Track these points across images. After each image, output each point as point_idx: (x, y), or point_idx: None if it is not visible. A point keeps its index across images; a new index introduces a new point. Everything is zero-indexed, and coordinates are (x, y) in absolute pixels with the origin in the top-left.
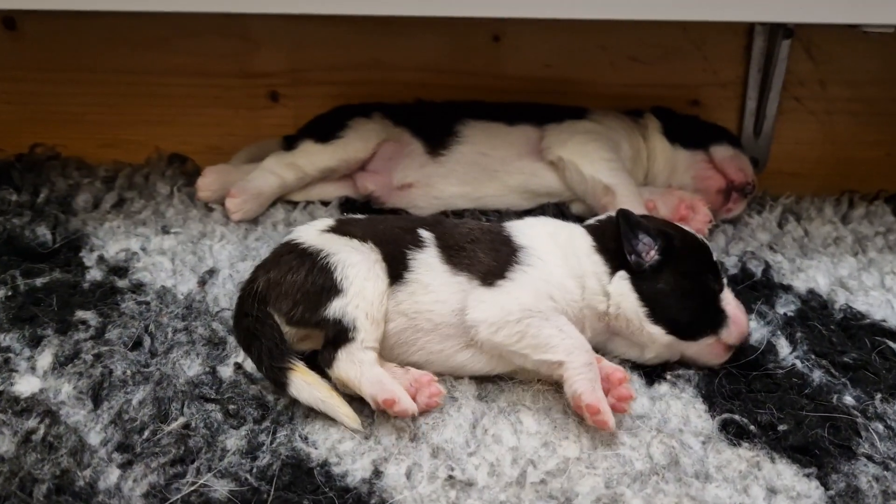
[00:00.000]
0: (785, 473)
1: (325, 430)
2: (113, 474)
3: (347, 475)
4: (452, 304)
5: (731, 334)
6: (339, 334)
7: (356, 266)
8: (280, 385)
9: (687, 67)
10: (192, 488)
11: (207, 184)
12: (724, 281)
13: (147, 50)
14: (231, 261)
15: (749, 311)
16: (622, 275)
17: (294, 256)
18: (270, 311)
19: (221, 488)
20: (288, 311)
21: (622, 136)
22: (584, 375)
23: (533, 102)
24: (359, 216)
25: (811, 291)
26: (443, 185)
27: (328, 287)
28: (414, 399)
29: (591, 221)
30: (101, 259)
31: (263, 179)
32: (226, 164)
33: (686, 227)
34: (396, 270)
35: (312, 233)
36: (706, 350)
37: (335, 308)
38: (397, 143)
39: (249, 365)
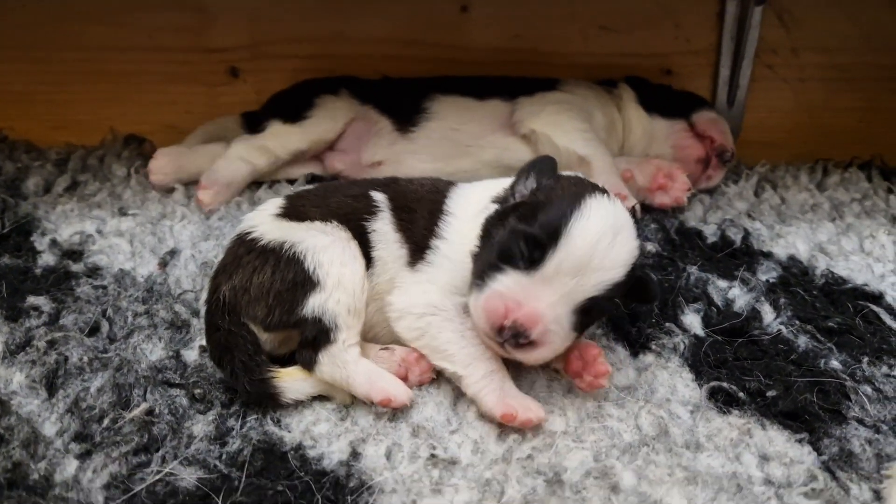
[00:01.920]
0: (777, 440)
1: (298, 413)
2: (70, 466)
3: (323, 458)
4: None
5: (473, 300)
6: (320, 335)
7: (327, 250)
8: (270, 397)
9: (659, 36)
10: (157, 477)
11: (160, 167)
12: (544, 279)
13: (97, 24)
14: (193, 241)
15: (730, 278)
16: (490, 207)
17: (255, 255)
18: (245, 321)
19: (189, 476)
20: (264, 318)
21: (595, 105)
22: (487, 388)
23: (502, 76)
24: (307, 188)
25: (792, 258)
26: (413, 162)
27: (301, 281)
28: (405, 380)
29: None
30: (53, 243)
31: (234, 168)
32: (179, 146)
33: (585, 227)
34: (364, 250)
35: (266, 220)
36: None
37: (313, 305)
38: (365, 121)
39: None
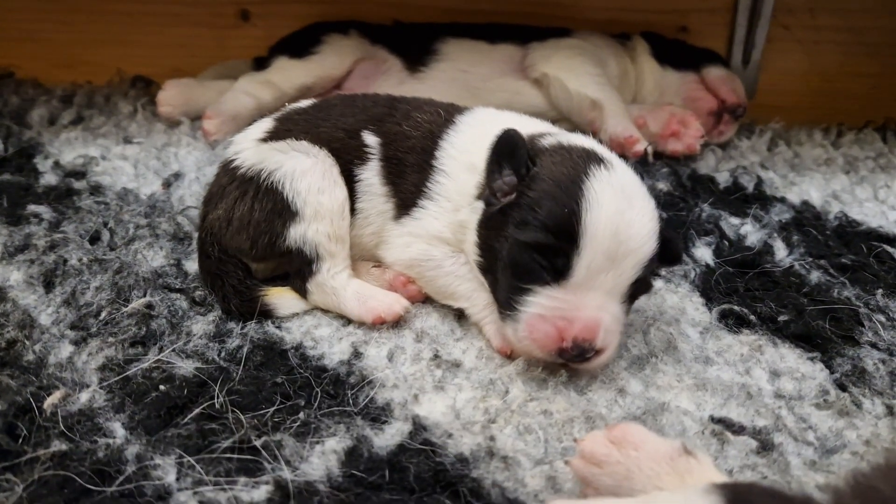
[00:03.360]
0: (788, 357)
1: (299, 318)
2: (65, 349)
3: (324, 357)
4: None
5: (509, 332)
6: (304, 267)
7: (307, 175)
8: (264, 314)
9: None
10: (154, 364)
11: (168, 98)
12: (582, 285)
13: None
14: (198, 165)
15: (743, 216)
16: (477, 206)
17: (236, 185)
18: (231, 252)
19: (187, 366)
20: (249, 250)
21: (609, 53)
22: (488, 318)
23: (515, 23)
24: (302, 105)
25: (805, 203)
26: None
27: (279, 210)
28: None
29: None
30: (56, 164)
31: (239, 100)
32: (189, 79)
33: (601, 206)
34: (350, 196)
35: (249, 145)
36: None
37: (293, 236)
38: (374, 60)
39: None
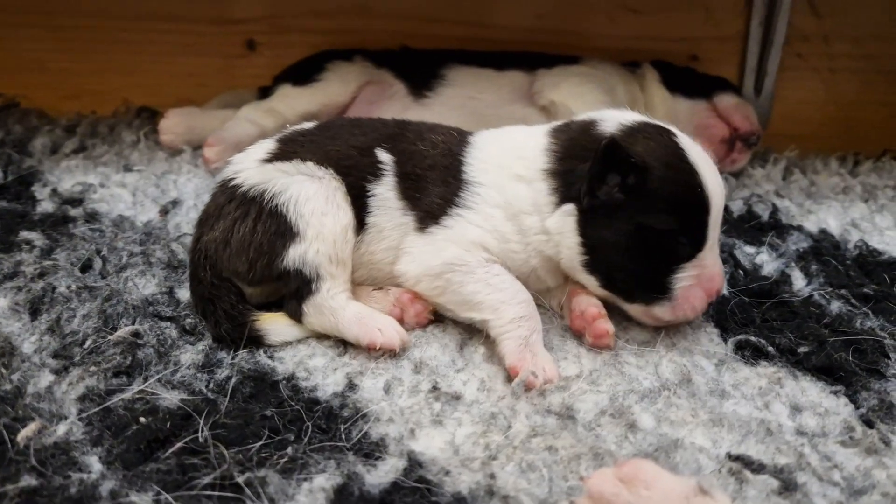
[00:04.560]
0: (810, 391)
1: (293, 348)
2: (45, 378)
3: (317, 389)
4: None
5: (665, 312)
6: (302, 287)
7: (311, 200)
8: (254, 340)
9: (686, 19)
10: (138, 395)
11: (171, 126)
12: (711, 245)
13: None
14: (197, 192)
15: (758, 244)
16: (568, 209)
17: (236, 204)
18: (226, 275)
19: (171, 397)
20: (246, 273)
21: (617, 81)
22: (510, 333)
23: (523, 51)
24: (306, 127)
25: (823, 231)
26: None
27: (282, 232)
28: (401, 321)
29: (558, 125)
30: (54, 192)
31: (242, 128)
32: (193, 107)
33: (704, 168)
34: (358, 213)
35: (251, 165)
36: (633, 312)
37: (293, 257)
38: (379, 85)
39: None
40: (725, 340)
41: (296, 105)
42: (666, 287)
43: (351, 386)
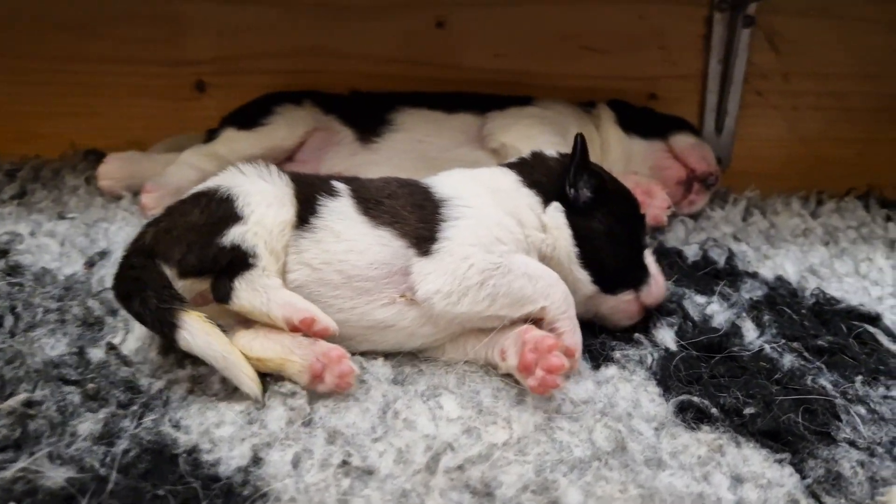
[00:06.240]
0: (753, 459)
1: (201, 415)
2: None
3: (220, 463)
4: (371, 256)
5: (650, 293)
6: (236, 261)
7: (260, 194)
8: (169, 328)
9: (644, 58)
10: (19, 473)
11: (109, 171)
12: (647, 239)
13: (64, 33)
14: (128, 241)
15: (710, 293)
16: (557, 206)
17: (186, 201)
18: (159, 261)
19: (56, 475)
20: (179, 259)
21: (571, 122)
22: (568, 312)
23: (474, 92)
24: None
25: (779, 278)
26: (375, 172)
27: (227, 216)
28: (321, 378)
29: (509, 161)
30: None
31: (182, 173)
32: (133, 152)
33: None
34: (303, 213)
35: (215, 176)
36: (622, 307)
37: (233, 235)
38: (327, 131)
39: (126, 346)
40: (667, 401)
41: (238, 149)
42: (644, 267)
43: (256, 460)
